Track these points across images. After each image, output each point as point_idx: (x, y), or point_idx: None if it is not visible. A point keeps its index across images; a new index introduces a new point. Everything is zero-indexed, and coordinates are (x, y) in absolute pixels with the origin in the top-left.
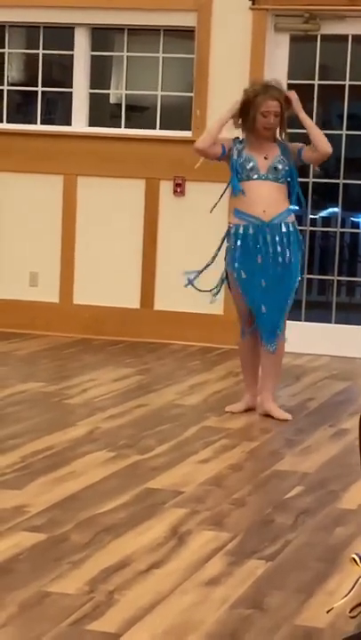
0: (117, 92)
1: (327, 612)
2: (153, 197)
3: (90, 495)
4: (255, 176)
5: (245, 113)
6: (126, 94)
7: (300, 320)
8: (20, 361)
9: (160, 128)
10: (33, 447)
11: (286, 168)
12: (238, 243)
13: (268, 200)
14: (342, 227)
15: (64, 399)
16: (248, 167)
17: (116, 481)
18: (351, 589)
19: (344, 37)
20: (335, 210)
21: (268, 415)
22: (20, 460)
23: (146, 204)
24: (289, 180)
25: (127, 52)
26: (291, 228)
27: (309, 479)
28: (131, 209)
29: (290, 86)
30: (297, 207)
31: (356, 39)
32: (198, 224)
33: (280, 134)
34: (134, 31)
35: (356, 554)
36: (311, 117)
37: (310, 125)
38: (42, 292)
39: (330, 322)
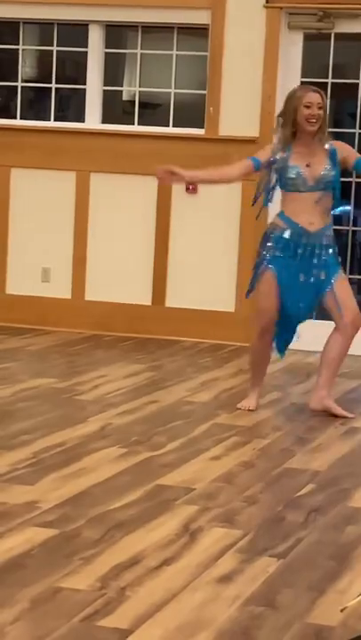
0: (131, 90)
1: (341, 610)
2: (165, 194)
3: (101, 491)
4: (302, 188)
5: (287, 118)
6: (139, 91)
7: (312, 318)
8: (31, 356)
9: (173, 125)
10: (44, 443)
11: (333, 173)
12: (280, 245)
13: (314, 212)
14: (354, 225)
15: (75, 395)
16: (294, 179)
17: (127, 477)
18: None
19: (358, 36)
20: (347, 208)
21: (326, 412)
22: (31, 456)
23: (158, 200)
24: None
25: (141, 49)
26: (329, 246)
27: (321, 477)
28: (143, 206)
29: (303, 84)
30: (347, 208)
31: None
32: (210, 221)
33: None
34: (148, 28)
35: None
36: None
37: None
38: (54, 288)
39: None
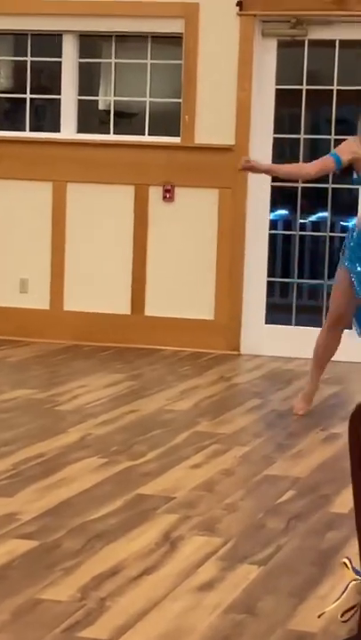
0: (106, 99)
1: (319, 616)
2: (142, 203)
3: (82, 502)
4: None
5: None
6: (115, 101)
7: (291, 324)
8: (10, 368)
9: (149, 134)
10: (24, 454)
11: None
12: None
13: None
14: (332, 231)
15: (55, 406)
16: None
17: (107, 487)
18: (342, 594)
19: (331, 42)
20: (325, 214)
21: None
22: (11, 468)
23: (135, 209)
24: None
25: (115, 58)
26: None
27: (301, 483)
28: (120, 215)
29: (278, 91)
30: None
31: (343, 44)
32: (188, 229)
33: None
34: (122, 38)
35: (347, 558)
36: (299, 123)
37: None
38: (32, 299)
39: (320, 326)
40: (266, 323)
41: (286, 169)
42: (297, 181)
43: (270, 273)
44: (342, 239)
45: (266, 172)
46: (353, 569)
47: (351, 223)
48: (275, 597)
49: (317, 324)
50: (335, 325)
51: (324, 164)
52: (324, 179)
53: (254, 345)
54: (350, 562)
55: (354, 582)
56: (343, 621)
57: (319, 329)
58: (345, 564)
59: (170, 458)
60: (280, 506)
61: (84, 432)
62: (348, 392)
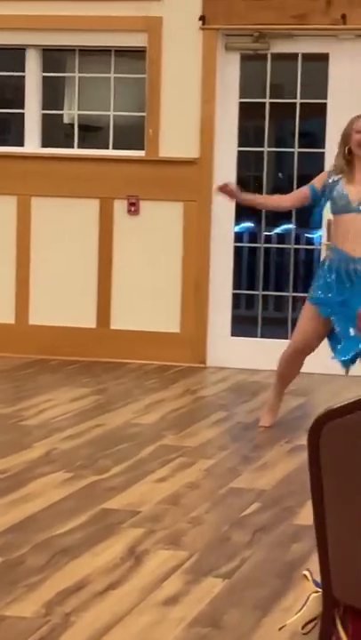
0: (70, 113)
1: (279, 629)
2: (107, 217)
3: (46, 517)
4: (346, 210)
5: (341, 144)
6: (79, 115)
7: (257, 336)
8: None
9: (113, 148)
10: None
11: None
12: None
13: (356, 236)
14: (297, 243)
15: (20, 421)
16: (341, 203)
17: (72, 502)
18: (303, 606)
19: (294, 56)
20: (290, 226)
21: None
22: None
23: (100, 223)
24: None
25: (79, 72)
26: None
27: (266, 496)
28: (85, 228)
29: (241, 105)
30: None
31: (305, 57)
32: (153, 242)
33: None
34: (85, 52)
35: (308, 570)
36: (263, 135)
37: None
38: None
39: (286, 338)
40: (232, 335)
41: (265, 200)
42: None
43: (236, 285)
44: (308, 251)
45: (245, 201)
46: (313, 581)
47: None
48: (239, 610)
49: (283, 335)
50: (303, 353)
51: (299, 193)
52: (288, 191)
53: (220, 357)
54: (311, 574)
55: (315, 594)
56: (304, 634)
57: (285, 341)
58: (305, 576)
59: (135, 472)
60: (245, 518)
61: (50, 447)
62: (313, 404)
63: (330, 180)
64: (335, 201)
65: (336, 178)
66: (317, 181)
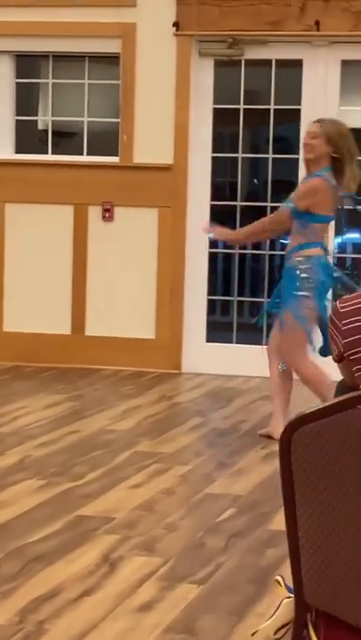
0: (44, 119)
1: (252, 634)
2: (82, 223)
3: (20, 524)
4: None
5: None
6: (53, 121)
7: (232, 342)
8: None
9: (87, 154)
10: None
11: (292, 205)
12: None
13: (290, 235)
14: (272, 249)
15: None
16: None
17: (47, 509)
18: (275, 611)
19: (268, 62)
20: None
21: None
22: None
23: (75, 229)
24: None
25: (53, 78)
26: (290, 266)
27: (241, 501)
28: (60, 235)
29: (215, 111)
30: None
31: (279, 63)
32: (127, 249)
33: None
34: (59, 58)
35: (280, 575)
36: (237, 141)
37: None
38: None
39: (261, 344)
40: (207, 341)
41: (262, 225)
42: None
43: (211, 291)
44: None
45: (247, 236)
46: (286, 586)
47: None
48: (214, 616)
49: (258, 341)
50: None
51: (278, 212)
52: (262, 196)
53: (195, 363)
54: (283, 579)
55: (287, 600)
56: (277, 639)
57: (260, 347)
58: (278, 581)
59: (110, 478)
60: (220, 524)
61: (24, 454)
62: (288, 409)
63: None
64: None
65: None
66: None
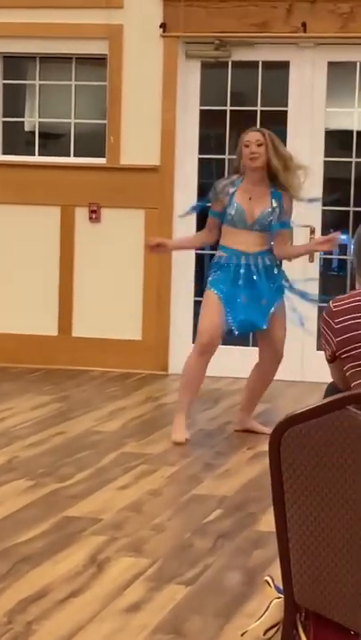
0: (31, 120)
1: (242, 634)
2: (68, 224)
3: (7, 525)
4: (241, 225)
5: (236, 160)
6: (40, 122)
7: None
8: None
9: (74, 155)
10: None
11: (270, 218)
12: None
13: (248, 244)
14: None
15: None
16: (237, 218)
17: (34, 510)
18: (265, 611)
19: (254, 64)
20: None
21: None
22: None
23: (61, 230)
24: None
25: (40, 79)
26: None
27: (228, 502)
28: (46, 236)
29: (202, 112)
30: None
31: (266, 65)
32: (114, 250)
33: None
34: (46, 59)
35: (270, 576)
36: (224, 143)
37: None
38: None
39: (248, 345)
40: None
41: (189, 243)
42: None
43: (198, 292)
44: None
45: (175, 248)
46: (275, 587)
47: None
48: (202, 617)
49: (245, 342)
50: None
51: (213, 223)
52: None
53: (182, 365)
54: (273, 580)
55: (276, 600)
56: (266, 639)
57: (247, 348)
58: (267, 582)
59: (97, 479)
60: (207, 525)
61: (11, 455)
62: (275, 410)
63: (226, 197)
64: (232, 215)
65: (232, 190)
66: (216, 206)
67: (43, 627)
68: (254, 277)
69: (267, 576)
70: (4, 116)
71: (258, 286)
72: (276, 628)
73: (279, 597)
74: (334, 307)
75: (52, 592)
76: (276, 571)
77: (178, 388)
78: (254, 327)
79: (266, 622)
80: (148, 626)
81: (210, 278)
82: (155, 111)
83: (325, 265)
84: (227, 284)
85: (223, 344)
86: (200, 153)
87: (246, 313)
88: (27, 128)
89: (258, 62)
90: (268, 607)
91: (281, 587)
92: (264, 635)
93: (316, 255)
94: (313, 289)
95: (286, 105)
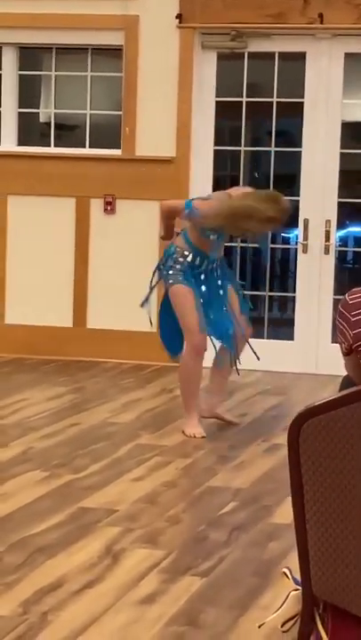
0: (47, 111)
1: (259, 626)
2: (84, 215)
3: (23, 516)
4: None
5: None
6: (55, 113)
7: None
8: None
9: (90, 146)
10: None
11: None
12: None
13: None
14: (273, 242)
15: None
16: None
17: (49, 501)
18: (283, 604)
19: (271, 55)
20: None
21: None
22: None
23: (77, 222)
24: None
25: (55, 71)
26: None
27: (243, 495)
28: (62, 227)
29: (218, 104)
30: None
31: (282, 56)
32: (129, 241)
33: None
34: (62, 50)
35: (287, 568)
36: (240, 135)
37: None
38: None
39: (262, 337)
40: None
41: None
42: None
43: None
44: (283, 250)
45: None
46: (293, 579)
47: None
48: (217, 609)
49: (259, 335)
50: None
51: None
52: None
53: None
54: (290, 572)
55: (294, 592)
56: (284, 631)
57: (261, 340)
58: (285, 574)
59: (112, 471)
60: (222, 517)
61: (26, 446)
62: (289, 403)
63: None
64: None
65: None
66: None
67: (58, 617)
68: None
69: (285, 568)
70: (20, 107)
71: None
72: (293, 621)
73: (297, 589)
74: (350, 299)
75: (67, 583)
76: (290, 563)
77: (181, 390)
78: None
79: (283, 614)
80: (163, 617)
81: None
82: (170, 102)
83: (340, 257)
84: None
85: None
86: (216, 144)
87: None
88: (42, 119)
89: (274, 53)
90: (286, 599)
91: (299, 579)
92: (282, 627)
93: (332, 247)
94: (328, 282)
95: (302, 96)
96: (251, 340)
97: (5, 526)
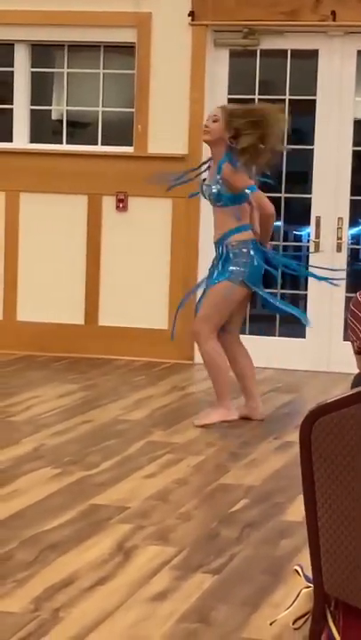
0: (59, 109)
1: (270, 624)
2: (96, 213)
3: (35, 513)
4: (205, 199)
5: None
6: (67, 110)
7: (245, 333)
8: None
9: (102, 144)
10: None
11: (214, 190)
12: None
13: (215, 224)
14: (285, 240)
15: (8, 416)
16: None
17: (61, 498)
18: (294, 601)
19: (283, 52)
20: (278, 223)
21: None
22: None
23: (89, 219)
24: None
25: (68, 68)
26: (225, 250)
27: (255, 492)
28: (74, 225)
29: (230, 101)
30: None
31: (294, 54)
32: (141, 239)
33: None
34: (74, 47)
35: (299, 565)
36: None
37: None
38: None
39: (274, 335)
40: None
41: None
42: None
43: None
44: (296, 248)
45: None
46: (305, 576)
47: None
48: (228, 606)
49: (271, 332)
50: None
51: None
52: (276, 188)
53: None
54: (302, 569)
55: (305, 590)
56: (295, 629)
57: (273, 338)
58: (297, 571)
59: (124, 468)
60: (234, 515)
61: (38, 443)
62: (301, 400)
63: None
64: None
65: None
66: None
67: (69, 614)
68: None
69: (296, 565)
70: (32, 105)
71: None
72: (305, 618)
73: (308, 587)
74: None
75: (78, 580)
76: (302, 561)
77: (212, 379)
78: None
79: (295, 612)
80: (174, 614)
81: None
82: (183, 99)
83: (352, 255)
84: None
85: (250, 334)
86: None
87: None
88: (54, 116)
89: (286, 51)
90: (298, 597)
91: (310, 576)
92: (293, 624)
93: (344, 245)
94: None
95: (315, 94)
96: (262, 337)
97: (17, 523)
